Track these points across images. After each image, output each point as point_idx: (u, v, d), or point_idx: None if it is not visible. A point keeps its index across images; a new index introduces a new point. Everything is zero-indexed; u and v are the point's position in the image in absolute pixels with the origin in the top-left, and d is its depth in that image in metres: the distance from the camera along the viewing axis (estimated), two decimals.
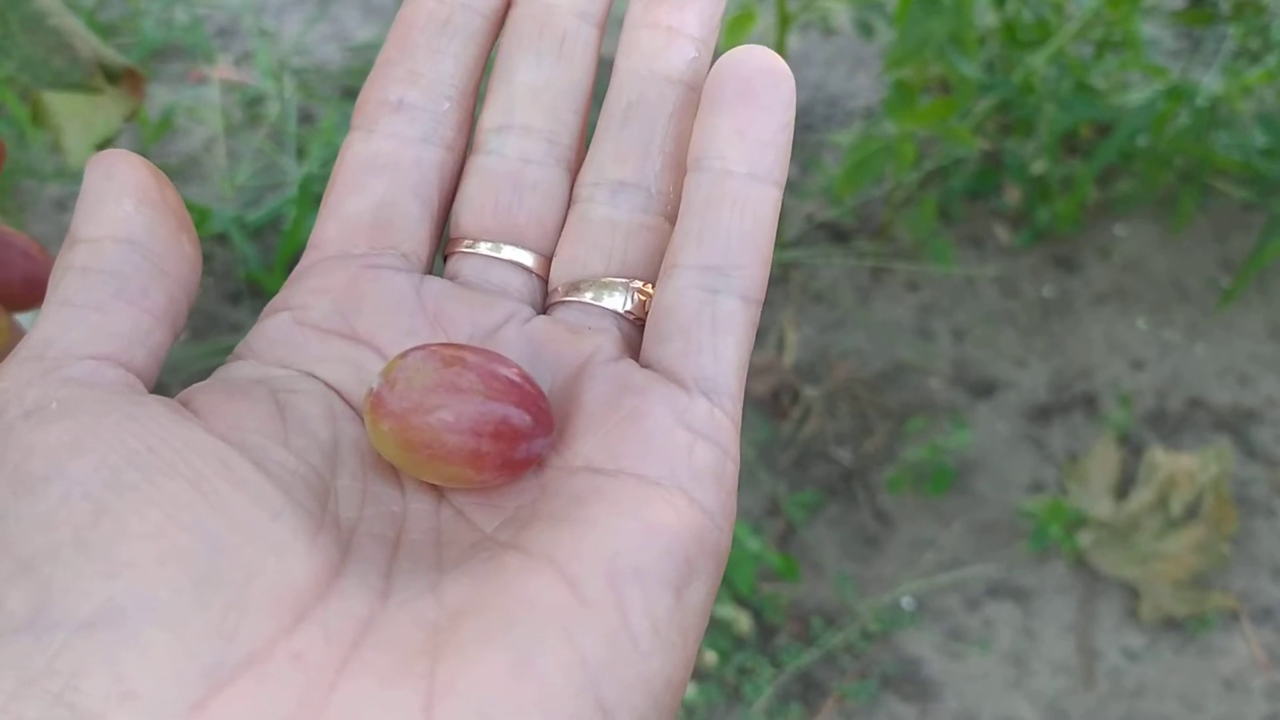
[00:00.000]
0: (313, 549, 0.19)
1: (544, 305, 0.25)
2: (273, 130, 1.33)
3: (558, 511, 0.20)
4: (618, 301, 0.24)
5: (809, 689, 0.91)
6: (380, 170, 0.24)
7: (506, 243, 0.25)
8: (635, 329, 0.24)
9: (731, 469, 0.21)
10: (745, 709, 0.90)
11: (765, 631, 0.94)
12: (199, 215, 1.18)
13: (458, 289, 0.24)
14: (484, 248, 0.25)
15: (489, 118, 0.25)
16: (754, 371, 1.09)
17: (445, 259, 0.26)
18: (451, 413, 0.21)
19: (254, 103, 1.36)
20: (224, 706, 0.17)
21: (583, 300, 0.24)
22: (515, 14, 0.25)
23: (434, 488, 0.22)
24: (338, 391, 0.22)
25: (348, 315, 0.23)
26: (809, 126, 1.34)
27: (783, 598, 0.95)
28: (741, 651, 0.93)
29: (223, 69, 1.41)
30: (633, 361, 0.23)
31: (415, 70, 0.25)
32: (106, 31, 1.42)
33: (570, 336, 0.23)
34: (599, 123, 0.25)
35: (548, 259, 0.25)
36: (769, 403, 1.07)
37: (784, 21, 0.99)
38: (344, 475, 0.21)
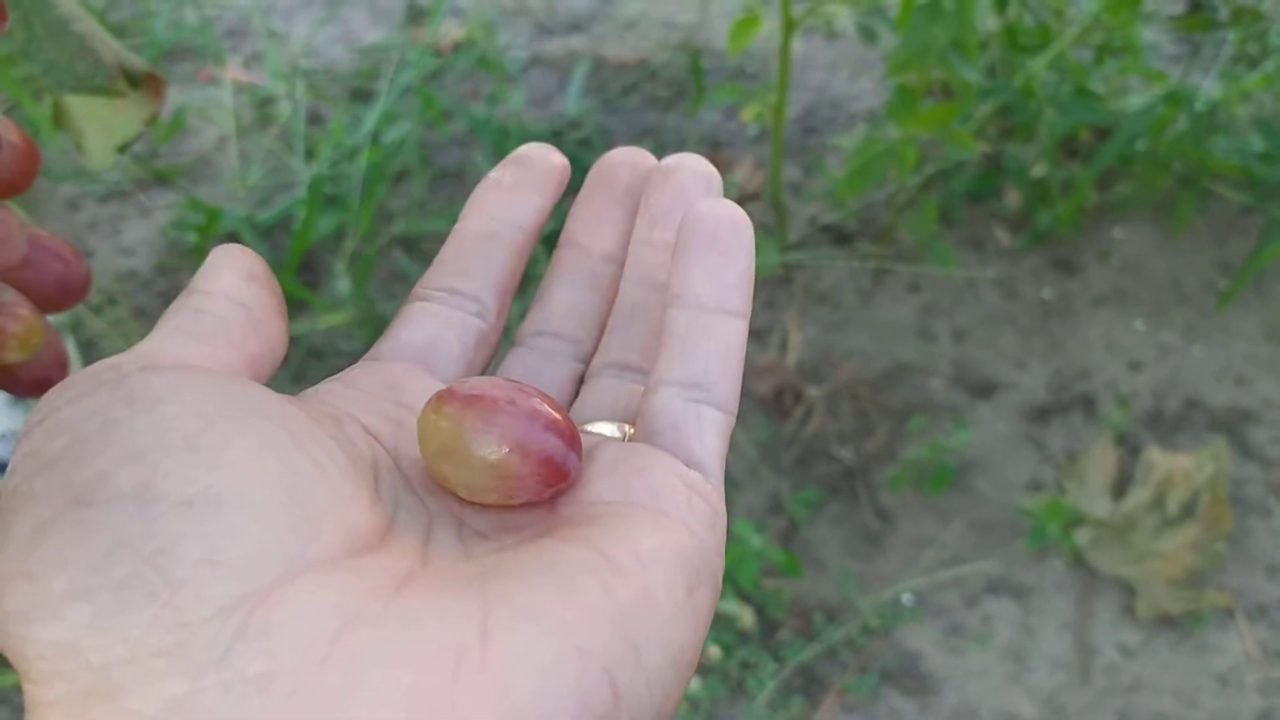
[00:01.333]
0: (372, 510, 0.21)
1: None
2: (282, 131, 1.34)
3: (580, 520, 0.23)
4: (614, 434, 0.28)
5: (811, 683, 0.93)
6: (433, 319, 0.29)
7: None
8: None
9: (721, 526, 0.24)
10: (748, 702, 0.91)
11: (768, 627, 0.95)
12: (210, 215, 1.19)
13: None
14: None
15: (530, 324, 0.31)
16: (757, 371, 1.10)
17: None
18: (502, 428, 0.23)
19: (264, 104, 1.38)
20: (298, 589, 0.18)
21: (585, 431, 0.28)
22: (558, 253, 0.32)
23: (455, 515, 0.24)
24: (375, 437, 0.25)
25: (392, 390, 0.27)
26: (812, 130, 1.36)
27: (785, 594, 0.97)
28: (744, 646, 0.94)
29: (233, 70, 1.42)
30: (636, 443, 0.26)
31: (466, 268, 0.30)
32: (117, 32, 1.43)
33: (582, 436, 0.27)
34: (611, 317, 0.31)
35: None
36: (772, 402, 1.08)
37: (788, 25, 1.01)
38: (381, 485, 0.23)
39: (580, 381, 0.30)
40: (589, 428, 0.28)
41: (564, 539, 0.22)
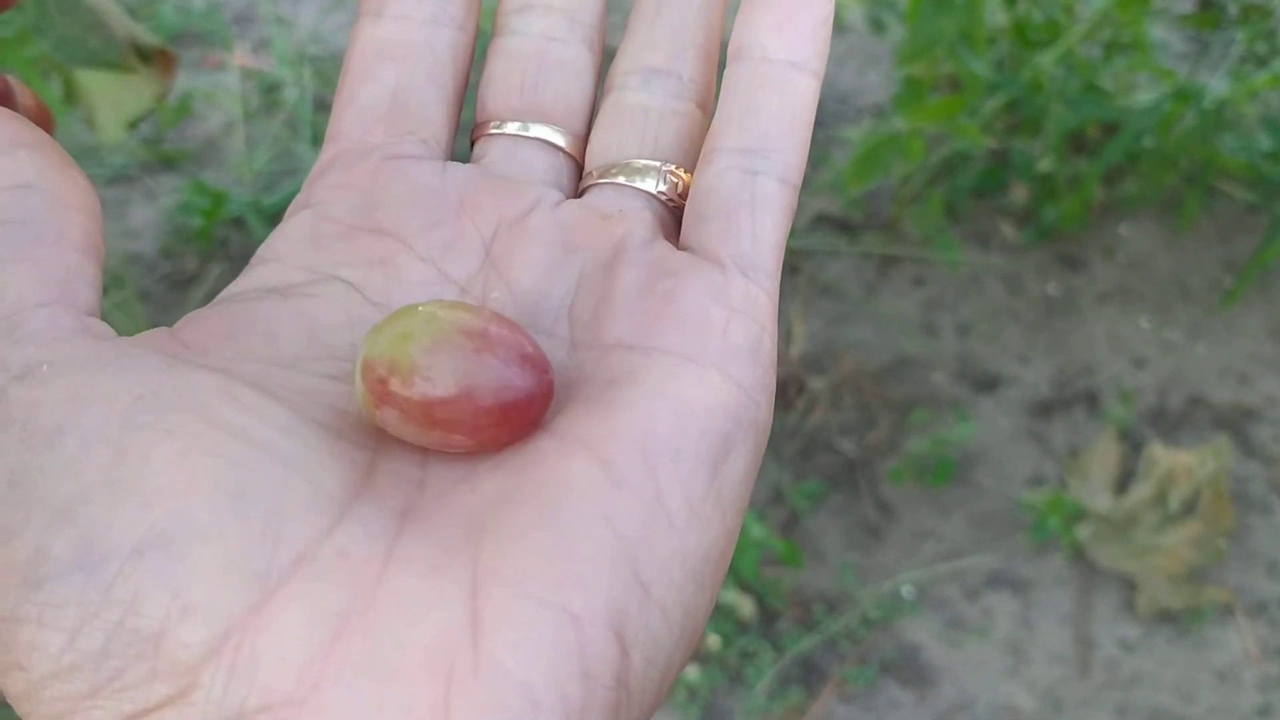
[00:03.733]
0: (335, 456, 0.19)
1: (574, 189, 0.25)
2: (289, 117, 1.34)
3: (591, 395, 0.20)
4: (650, 184, 0.24)
5: (810, 673, 0.93)
6: (391, 56, 0.24)
7: (534, 121, 0.25)
8: (669, 211, 0.24)
9: (769, 344, 0.22)
10: (747, 691, 0.91)
11: (768, 616, 0.96)
12: (215, 199, 1.19)
13: (483, 176, 0.24)
14: (511, 127, 0.25)
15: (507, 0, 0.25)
16: None
17: (472, 144, 0.26)
18: (443, 391, 0.20)
19: (270, 89, 1.38)
20: (279, 608, 0.17)
21: (615, 182, 0.24)
22: None
23: None
24: (361, 292, 0.22)
25: (370, 209, 0.23)
26: (819, 122, 1.36)
27: (785, 584, 0.97)
28: (744, 635, 0.94)
29: (240, 56, 1.42)
30: (668, 244, 0.23)
31: None
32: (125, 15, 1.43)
33: (602, 221, 0.23)
34: (632, 14, 0.25)
35: (577, 138, 0.25)
36: (775, 393, 1.08)
37: None
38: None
39: (596, 73, 0.25)
40: (619, 175, 0.24)
41: (568, 442, 0.19)
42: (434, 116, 0.24)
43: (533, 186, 0.24)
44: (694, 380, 0.20)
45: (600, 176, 0.24)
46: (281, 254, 0.23)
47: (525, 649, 0.17)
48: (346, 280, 0.22)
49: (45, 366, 0.19)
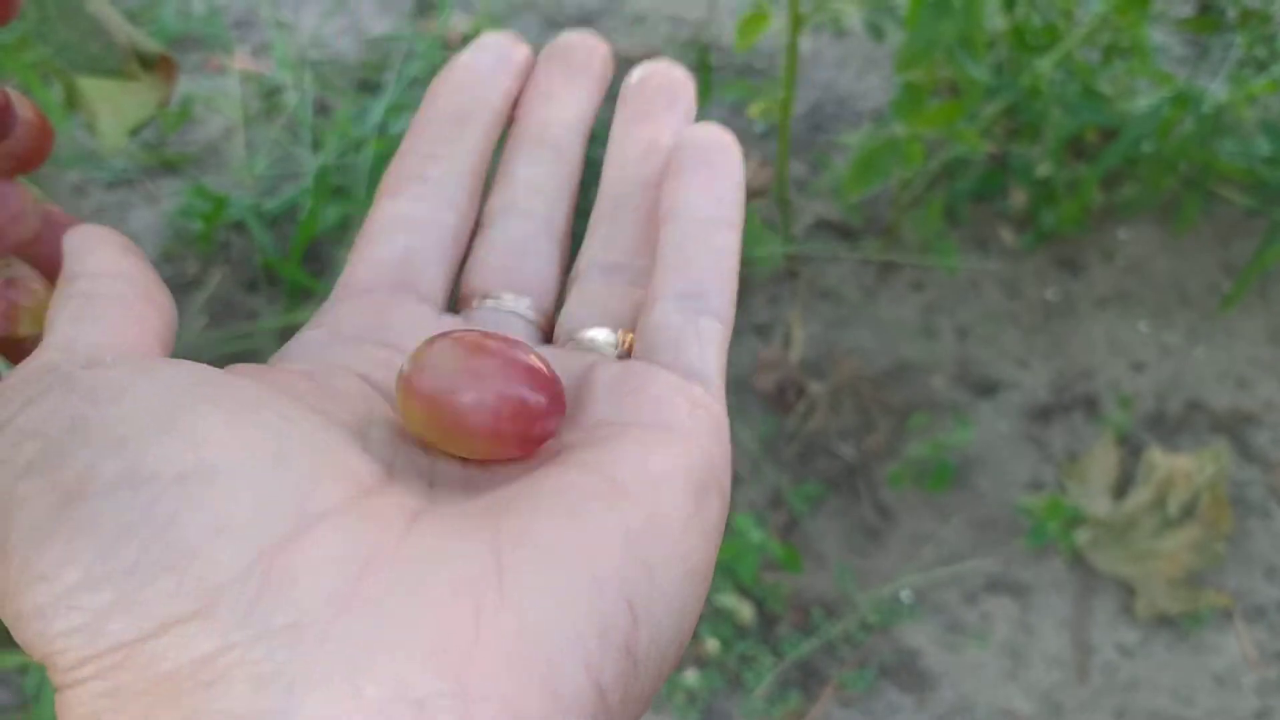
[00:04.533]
0: (362, 458, 0.21)
1: None
2: (290, 121, 1.34)
3: (584, 444, 0.23)
4: (610, 343, 0.27)
5: (809, 677, 0.93)
6: (404, 227, 0.28)
7: (512, 295, 0.29)
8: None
9: (725, 438, 0.24)
10: (746, 696, 0.92)
11: (767, 621, 0.96)
12: (216, 203, 1.19)
13: (471, 322, 0.28)
14: (490, 303, 0.29)
15: (494, 202, 0.30)
16: (760, 366, 1.10)
17: (456, 314, 0.29)
18: (474, 394, 0.22)
19: (271, 94, 1.38)
20: (312, 540, 0.18)
21: (579, 339, 0.28)
22: (517, 128, 0.30)
23: (458, 458, 0.24)
24: (369, 382, 0.25)
25: (376, 328, 0.26)
26: (818, 127, 1.36)
27: (784, 588, 0.97)
28: (743, 640, 0.94)
29: (241, 60, 1.42)
30: (635, 360, 0.26)
31: (434, 153, 0.29)
32: (126, 20, 1.43)
33: (576, 354, 0.27)
34: (593, 214, 0.30)
35: (546, 315, 0.29)
36: (774, 397, 1.09)
37: (796, 22, 1.01)
38: (375, 434, 0.23)
39: (562, 265, 0.30)
40: (583, 334, 0.28)
41: (569, 465, 0.22)
42: (435, 278, 0.28)
43: (514, 335, 0.28)
44: (674, 441, 0.23)
45: (565, 341, 0.28)
46: (295, 358, 0.25)
47: (547, 594, 0.18)
48: (356, 370, 0.25)
49: (109, 357, 0.21)
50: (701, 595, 0.21)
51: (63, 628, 0.18)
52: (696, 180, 0.27)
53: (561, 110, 0.30)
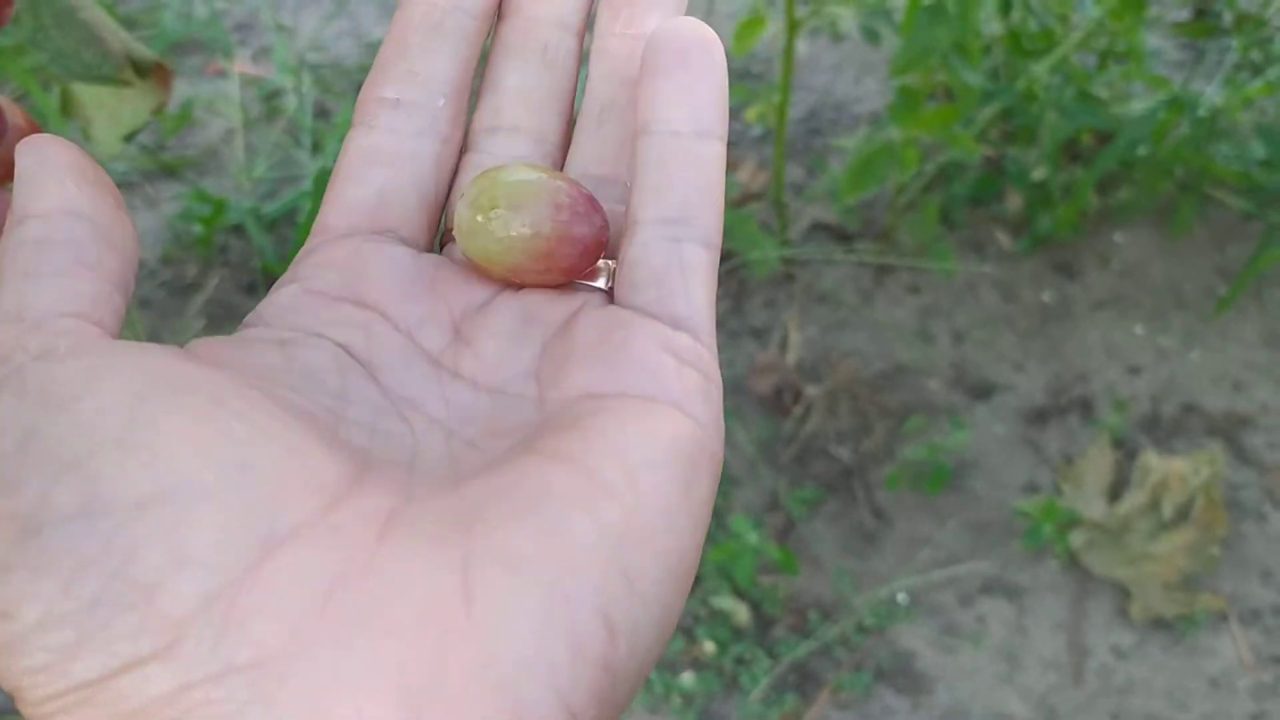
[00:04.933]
0: (331, 455, 0.20)
1: None
2: (289, 124, 1.35)
3: (566, 424, 0.22)
4: (601, 281, 0.26)
5: (805, 680, 0.93)
6: (380, 163, 0.26)
7: None
8: None
9: (716, 393, 0.23)
10: (742, 698, 0.92)
11: (763, 623, 0.96)
12: (216, 206, 1.20)
13: (453, 263, 0.26)
14: None
15: (480, 120, 0.27)
16: (757, 369, 1.11)
17: (442, 247, 0.28)
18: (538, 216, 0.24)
19: (271, 97, 1.38)
20: (276, 568, 0.18)
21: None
22: (502, 28, 0.28)
23: (442, 426, 0.23)
24: (346, 349, 0.23)
25: (353, 283, 0.24)
26: (815, 131, 1.36)
27: (781, 590, 0.97)
28: (740, 642, 0.95)
29: (241, 64, 1.43)
30: (618, 307, 0.24)
31: (411, 70, 0.26)
32: (126, 25, 1.44)
33: (560, 296, 0.25)
34: (578, 123, 0.27)
35: None
36: (771, 400, 1.09)
37: (792, 27, 1.01)
38: (353, 413, 0.22)
39: None
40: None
41: (548, 456, 0.21)
42: (414, 219, 0.26)
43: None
44: (659, 414, 0.22)
45: None
46: (269, 320, 0.24)
47: (516, 618, 0.18)
48: (332, 339, 0.24)
49: (63, 347, 0.20)
50: (686, 587, 0.21)
51: (27, 665, 0.18)
52: (672, 85, 0.24)
53: (551, 6, 0.27)
